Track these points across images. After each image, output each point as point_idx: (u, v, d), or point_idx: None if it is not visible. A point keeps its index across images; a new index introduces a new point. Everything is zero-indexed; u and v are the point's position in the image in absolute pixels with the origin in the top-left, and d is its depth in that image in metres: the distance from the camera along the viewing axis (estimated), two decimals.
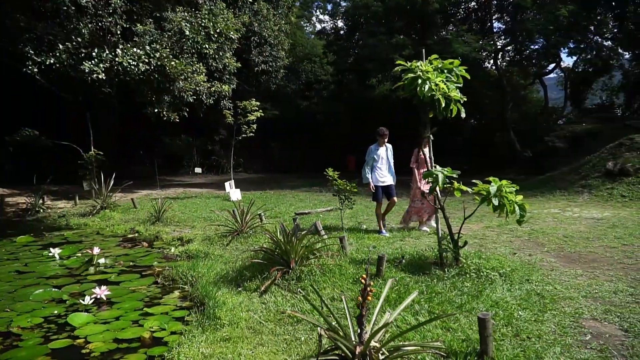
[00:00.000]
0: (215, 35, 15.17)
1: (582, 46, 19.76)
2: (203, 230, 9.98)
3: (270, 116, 30.32)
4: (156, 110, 13.03)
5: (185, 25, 14.15)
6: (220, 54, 16.31)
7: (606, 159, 14.46)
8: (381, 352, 3.11)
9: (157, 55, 11.93)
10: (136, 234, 10.45)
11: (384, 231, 8.51)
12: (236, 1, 17.70)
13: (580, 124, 22.71)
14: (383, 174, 8.51)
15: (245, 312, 4.82)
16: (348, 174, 20.70)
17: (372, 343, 3.12)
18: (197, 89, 15.42)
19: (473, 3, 24.73)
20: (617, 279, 5.45)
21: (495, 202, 5.52)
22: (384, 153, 8.55)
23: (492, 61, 24.05)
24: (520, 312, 4.42)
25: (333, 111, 28.19)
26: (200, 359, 3.80)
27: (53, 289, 6.25)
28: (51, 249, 8.30)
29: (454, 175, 5.94)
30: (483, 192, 5.66)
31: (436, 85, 5.78)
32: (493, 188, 5.50)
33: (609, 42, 19.81)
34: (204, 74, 15.49)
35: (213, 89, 16.44)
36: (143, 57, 11.61)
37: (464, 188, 5.94)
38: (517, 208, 5.50)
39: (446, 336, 3.89)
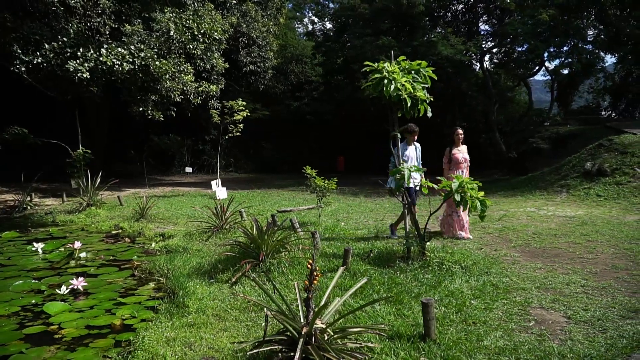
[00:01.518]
0: (200, 36, 15.32)
1: (562, 50, 20.11)
2: (185, 227, 10.17)
3: (262, 116, 30.56)
4: (141, 109, 13.19)
5: (171, 26, 14.32)
6: (208, 54, 16.49)
7: (585, 159, 14.77)
8: (327, 332, 3.32)
9: (142, 55, 12.09)
10: (120, 230, 10.61)
11: (396, 233, 8.02)
12: (225, 2, 17.87)
13: (565, 126, 23.06)
14: (413, 175, 7.17)
15: (213, 301, 5.03)
16: (338, 175, 20.99)
17: (319, 324, 3.33)
18: (185, 88, 15.59)
19: (461, 6, 25.03)
20: (573, 272, 5.69)
21: (458, 197, 5.76)
22: (413, 153, 7.88)
23: (478, 63, 24.33)
24: (472, 301, 4.65)
25: (322, 112, 28.43)
26: (164, 342, 4.00)
27: (33, 281, 6.42)
28: (34, 244, 8.46)
29: (421, 173, 6.19)
30: (447, 188, 5.92)
31: (402, 85, 6.01)
32: (455, 184, 5.74)
33: (589, 46, 20.17)
34: (191, 74, 15.67)
35: (201, 88, 16.62)
36: (127, 56, 11.77)
37: (431, 185, 6.20)
38: (478, 203, 5.74)
39: (397, 321, 4.11)
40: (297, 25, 33.86)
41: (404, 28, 21.51)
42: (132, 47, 11.99)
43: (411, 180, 6.95)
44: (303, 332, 3.21)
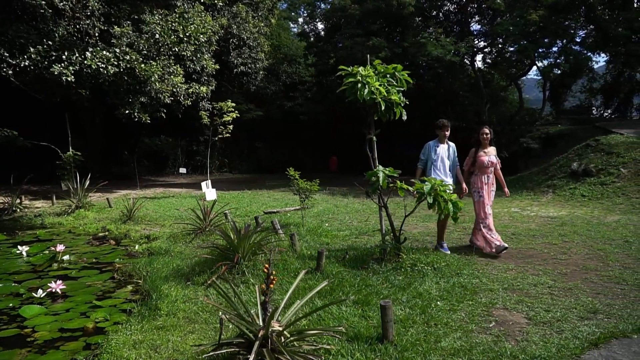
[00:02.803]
0: (185, 38, 15.37)
1: (551, 50, 20.28)
2: (171, 229, 10.25)
3: (255, 117, 30.65)
4: (127, 111, 13.26)
5: (157, 29, 14.38)
6: (198, 56, 16.57)
7: (572, 159, 14.89)
8: (284, 335, 3.41)
9: (127, 58, 12.16)
10: (106, 233, 10.67)
11: (445, 247, 7.09)
12: (214, 4, 17.93)
13: (556, 126, 23.18)
14: (441, 177, 6.85)
15: (185, 303, 5.11)
16: (331, 176, 20.97)
17: (276, 327, 3.42)
18: (175, 90, 15.67)
19: (453, 6, 25.13)
20: (544, 273, 5.79)
21: (430, 199, 5.86)
22: (445, 152, 7.11)
23: (469, 63, 24.44)
24: (438, 302, 4.74)
25: (316, 112, 28.54)
26: (131, 345, 4.08)
27: (13, 284, 6.50)
28: (19, 247, 8.52)
29: (395, 175, 6.27)
30: (422, 190, 6.01)
31: (376, 89, 6.10)
32: (427, 187, 5.84)
33: (578, 47, 20.28)
34: (181, 75, 15.74)
35: (191, 90, 16.68)
36: (112, 60, 11.84)
37: (406, 187, 6.28)
38: (450, 206, 5.83)
39: (360, 323, 4.20)
40: (292, 26, 33.94)
41: (395, 29, 21.61)
42: (117, 50, 12.05)
43: (447, 181, 6.74)
44: (259, 335, 3.30)
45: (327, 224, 9.86)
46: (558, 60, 20.80)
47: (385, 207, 6.53)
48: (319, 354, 3.40)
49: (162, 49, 15.09)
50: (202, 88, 17.15)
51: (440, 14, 25.08)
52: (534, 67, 25.41)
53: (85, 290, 6.23)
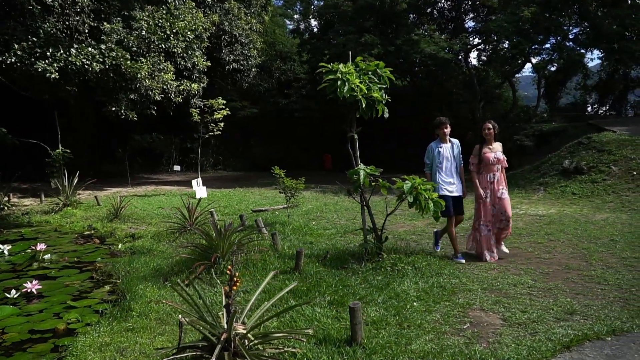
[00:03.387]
0: (172, 35, 15.24)
1: (544, 47, 20.22)
2: (157, 227, 10.16)
3: (250, 114, 30.53)
4: (114, 109, 13.15)
5: (143, 25, 14.24)
6: (189, 52, 16.46)
7: (564, 157, 14.82)
8: (247, 338, 3.33)
9: (113, 55, 12.04)
10: (92, 231, 10.59)
11: (459, 256, 6.49)
12: (205, 0, 17.83)
13: (550, 123, 23.11)
14: (449, 179, 6.56)
15: (159, 304, 5.02)
16: (325, 174, 20.90)
17: (240, 330, 3.34)
18: (165, 87, 15.56)
19: (448, 2, 25.04)
20: (525, 273, 5.72)
21: (410, 199, 5.79)
22: (449, 151, 6.64)
23: (463, 60, 24.37)
24: (415, 303, 4.67)
25: (309, 109, 28.44)
26: (97, 348, 4.00)
27: None
28: (1, 246, 8.43)
29: (377, 174, 6.19)
30: (402, 188, 5.93)
31: (357, 86, 6.01)
32: (407, 185, 5.75)
33: (571, 43, 20.23)
34: (171, 72, 15.62)
35: (182, 87, 16.58)
36: (97, 56, 11.72)
37: (388, 185, 6.21)
38: (431, 204, 5.75)
39: (332, 325, 4.13)
40: (287, 22, 33.71)
41: (388, 26, 21.50)
42: (103, 47, 11.93)
43: (447, 187, 6.48)
44: (222, 338, 3.22)
45: (314, 223, 9.79)
46: (552, 57, 20.72)
47: (367, 205, 6.44)
48: (284, 357, 3.32)
49: (152, 46, 14.97)
50: (193, 85, 17.05)
51: (435, 10, 24.98)
52: (529, 65, 25.41)
53: (62, 290, 6.14)
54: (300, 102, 30.58)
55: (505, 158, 6.59)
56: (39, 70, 11.22)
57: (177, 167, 27.27)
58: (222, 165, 32.43)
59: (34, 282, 5.98)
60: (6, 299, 5.77)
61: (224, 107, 15.65)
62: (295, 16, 35.91)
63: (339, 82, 5.93)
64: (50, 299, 5.78)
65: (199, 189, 15.48)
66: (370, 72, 6.37)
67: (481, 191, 6.49)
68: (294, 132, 31.85)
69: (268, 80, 28.32)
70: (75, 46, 11.76)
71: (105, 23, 14.24)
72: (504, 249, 6.62)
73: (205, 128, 16.14)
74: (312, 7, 26.28)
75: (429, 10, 23.99)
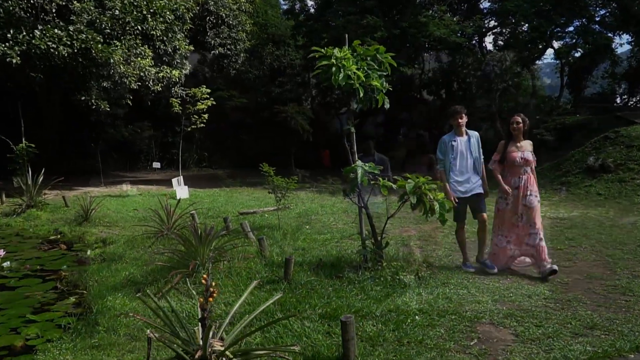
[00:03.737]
0: (149, 16, 15.19)
1: (567, 30, 20.22)
2: (131, 232, 10.13)
3: (239, 104, 30.39)
4: (83, 97, 13.12)
5: (117, 4, 14.20)
6: (170, 35, 16.44)
7: (589, 153, 14.85)
8: (225, 355, 3.31)
9: (82, 37, 12.01)
10: (59, 236, 10.57)
11: (468, 264, 6.43)
12: None
13: (574, 115, 23.13)
14: (463, 178, 6.37)
15: (130, 318, 4.99)
16: (323, 171, 20.89)
17: (217, 347, 3.32)
18: (142, 74, 15.52)
19: None
20: (541, 283, 5.71)
21: (414, 199, 5.76)
22: (464, 145, 6.40)
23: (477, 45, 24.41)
24: (417, 317, 4.65)
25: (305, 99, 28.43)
26: None
27: None
28: None
29: (376, 172, 6.17)
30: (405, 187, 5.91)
31: (354, 73, 5.99)
32: (410, 185, 5.74)
33: (597, 26, 20.24)
34: (150, 57, 15.58)
35: (161, 74, 16.53)
36: (65, 39, 11.69)
37: (389, 184, 6.18)
38: (437, 206, 5.73)
39: (323, 341, 4.11)
40: (282, 2, 33.58)
41: (394, 6, 21.44)
42: (71, 29, 11.89)
43: (459, 187, 6.32)
44: (196, 357, 3.20)
45: (307, 226, 9.77)
46: (576, 41, 20.73)
47: (365, 207, 6.42)
48: None
49: (127, 28, 14.95)
50: (174, 72, 17.00)
51: None
52: (551, 50, 25.42)
53: (21, 302, 6.12)
54: (295, 90, 30.51)
55: (536, 159, 6.27)
56: None
57: (156, 164, 27.19)
58: (207, 162, 32.34)
59: None
60: None
61: (208, 96, 15.64)
62: None
63: (334, 69, 5.89)
64: (8, 311, 5.76)
65: (180, 189, 15.42)
66: (369, 58, 6.34)
67: (505, 187, 6.14)
68: (289, 125, 31.72)
69: (259, 67, 28.24)
70: (40, 27, 11.71)
71: (75, 2, 14.21)
72: (549, 266, 5.85)
73: (187, 120, 16.13)
74: None
75: None
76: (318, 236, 8.73)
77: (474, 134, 6.50)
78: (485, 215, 6.37)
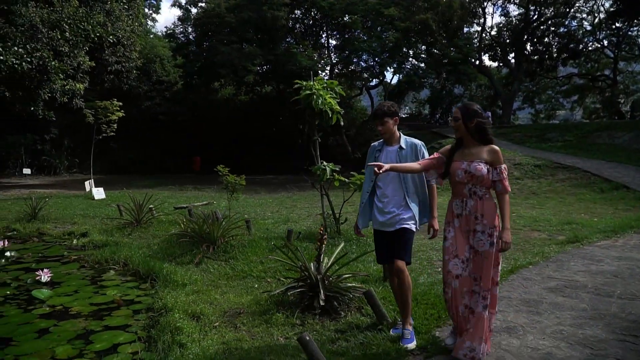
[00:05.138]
0: (67, 33, 15.02)
1: (402, 66, 24.00)
2: (91, 225, 10.43)
3: (119, 116, 29.50)
4: (32, 108, 12.72)
5: (37, 21, 13.90)
6: (75, 52, 16.18)
7: None
8: (327, 276, 4.81)
9: (38, 54, 11.79)
10: (14, 232, 10.39)
11: (408, 339, 3.76)
12: (87, 0, 17.55)
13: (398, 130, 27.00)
14: (386, 204, 3.94)
15: (195, 276, 6.07)
16: (194, 176, 21.82)
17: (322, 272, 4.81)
18: (53, 87, 15.16)
19: (311, 21, 27.60)
20: None
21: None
22: (395, 159, 3.96)
23: (328, 73, 27.23)
24: None
25: (178, 112, 28.73)
26: (185, 303, 5.00)
27: None
28: None
29: (337, 169, 7.88)
30: (357, 181, 7.71)
31: (326, 100, 7.63)
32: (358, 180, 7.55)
33: (422, 64, 24.32)
34: (60, 72, 15.27)
35: (68, 87, 16.20)
36: (25, 56, 11.42)
37: (342, 179, 7.92)
38: None
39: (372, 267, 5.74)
40: (149, 24, 33.27)
41: (267, 38, 23.15)
42: (29, 47, 11.61)
43: (378, 216, 4.00)
44: (319, 278, 4.65)
45: (245, 215, 11.03)
46: (407, 74, 24.60)
47: (327, 194, 8.09)
48: (351, 287, 4.85)
49: (40, 45, 14.53)
50: (78, 85, 16.73)
51: (302, 26, 27.31)
52: (376, 81, 29.25)
53: (69, 277, 6.65)
54: (164, 104, 30.52)
55: (503, 176, 3.47)
56: None
57: (27, 171, 25.55)
58: (77, 167, 30.71)
59: (45, 270, 6.44)
60: (22, 286, 6.18)
61: (119, 108, 15.78)
62: (154, 16, 35.57)
63: (315, 97, 7.48)
64: (69, 283, 6.31)
65: (97, 191, 15.37)
66: (329, 89, 8.02)
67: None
68: (157, 134, 31.54)
69: (146, 82, 27.97)
70: (1, 44, 11.23)
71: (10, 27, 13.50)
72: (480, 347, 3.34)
73: (97, 130, 16.02)
74: (192, 14, 26.77)
75: (297, 26, 26.20)
76: (264, 221, 10.10)
77: (414, 143, 4.03)
78: (401, 264, 3.84)
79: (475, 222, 3.45)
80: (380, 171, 3.46)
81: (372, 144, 4.34)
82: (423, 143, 4.17)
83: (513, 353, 3.40)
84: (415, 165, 3.73)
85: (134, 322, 4.90)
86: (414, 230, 3.93)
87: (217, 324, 4.44)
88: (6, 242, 7.96)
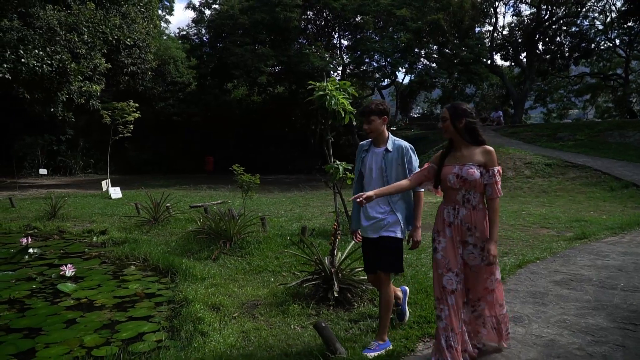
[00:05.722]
0: (86, 36, 15.40)
1: (414, 66, 24.15)
2: (110, 223, 10.73)
3: (136, 117, 30.06)
4: (52, 110, 13.10)
5: (54, 23, 14.28)
6: (92, 54, 16.55)
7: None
8: (340, 269, 5.01)
9: (58, 57, 12.16)
10: (34, 230, 10.73)
11: (373, 346, 3.60)
12: (103, 3, 17.93)
13: (409, 130, 27.18)
14: (371, 209, 3.69)
15: (213, 271, 6.31)
16: (205, 174, 22.08)
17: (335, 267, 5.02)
18: (71, 88, 15.54)
19: (323, 22, 27.88)
20: None
21: None
22: (379, 162, 3.71)
23: (340, 73, 27.48)
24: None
25: (191, 113, 29.13)
26: (205, 295, 5.23)
27: (9, 272, 6.89)
28: None
29: (349, 168, 8.07)
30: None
31: (339, 100, 7.84)
32: None
33: (434, 64, 24.44)
34: (79, 73, 15.65)
35: (85, 88, 16.58)
36: (45, 58, 11.79)
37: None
38: None
39: None
40: (162, 25, 33.79)
41: (280, 39, 23.44)
42: (49, 50, 11.98)
43: (362, 222, 3.79)
44: (333, 271, 4.86)
45: (259, 213, 11.27)
46: (419, 75, 24.77)
47: (339, 193, 8.29)
48: (364, 280, 5.04)
49: (57, 47, 14.91)
50: (95, 87, 17.12)
51: (315, 27, 27.60)
52: (388, 81, 29.38)
53: (92, 272, 6.93)
54: (178, 105, 30.96)
55: (494, 179, 3.17)
56: None
57: (43, 171, 25.98)
58: (92, 168, 31.25)
59: (69, 265, 6.71)
60: (47, 280, 6.46)
61: (135, 109, 16.12)
62: (167, 17, 36.10)
63: (328, 97, 7.69)
64: (91, 277, 6.59)
65: (113, 190, 15.72)
66: (342, 89, 8.23)
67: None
68: (171, 135, 32.02)
69: (161, 83, 28.45)
70: (22, 47, 11.61)
71: (4, 20, 13.90)
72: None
73: (114, 131, 16.38)
74: (205, 16, 27.20)
75: (311, 26, 26.50)
76: (278, 219, 10.33)
77: (402, 146, 3.70)
78: (382, 276, 3.68)
79: (467, 234, 3.20)
80: (363, 200, 3.18)
81: (361, 143, 4.01)
82: (412, 146, 3.77)
83: (518, 340, 3.58)
84: (403, 183, 3.41)
85: (157, 313, 5.14)
86: (400, 237, 3.61)
87: (236, 314, 4.67)
88: (29, 239, 8.24)
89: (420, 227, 3.68)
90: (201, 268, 6.40)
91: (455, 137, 3.29)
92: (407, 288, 4.31)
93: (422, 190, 3.63)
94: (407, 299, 4.19)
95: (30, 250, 8.29)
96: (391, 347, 3.59)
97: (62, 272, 6.58)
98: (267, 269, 6.18)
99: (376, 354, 3.49)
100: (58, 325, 4.85)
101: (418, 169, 3.54)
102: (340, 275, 4.90)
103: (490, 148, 3.24)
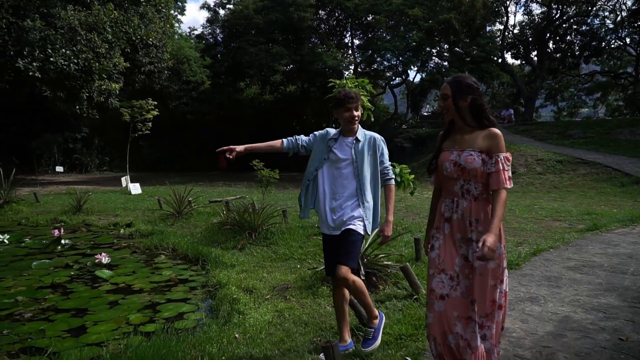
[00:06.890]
0: (109, 35, 15.84)
1: (426, 65, 24.43)
2: (134, 217, 11.12)
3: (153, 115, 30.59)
4: (77, 107, 13.54)
5: (75, 23, 14.71)
6: (112, 53, 16.97)
7: None
8: (368, 257, 5.33)
9: (84, 56, 12.58)
10: (62, 223, 11.13)
11: (370, 335, 3.47)
12: (122, 3, 18.36)
13: (420, 128, 27.40)
14: (336, 203, 3.45)
15: (241, 259, 6.65)
16: (219, 173, 22.42)
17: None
18: (92, 86, 15.97)
19: (334, 21, 28.20)
20: None
21: (398, 179, 8.10)
22: (349, 152, 3.47)
23: (352, 72, 27.76)
24: None
25: (205, 111, 29.56)
26: (237, 279, 5.57)
27: (45, 261, 7.27)
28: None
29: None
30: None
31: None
32: (396, 170, 8.06)
33: (446, 63, 24.69)
34: (104, 72, 16.09)
35: (104, 87, 17.01)
36: (72, 57, 12.20)
37: None
38: (411, 183, 8.13)
39: (404, 251, 6.23)
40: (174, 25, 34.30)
41: (293, 39, 23.81)
42: (75, 48, 12.40)
43: (327, 218, 3.51)
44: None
45: (278, 207, 11.60)
46: (431, 73, 25.04)
47: None
48: (387, 265, 5.36)
49: (79, 46, 15.33)
50: (114, 85, 17.54)
51: (325, 26, 27.93)
52: (400, 79, 29.64)
53: (124, 261, 7.30)
54: (191, 104, 31.42)
55: (498, 167, 2.59)
56: (21, 68, 11.35)
57: (59, 169, 26.46)
58: (107, 165, 31.80)
59: (103, 254, 7.09)
60: (84, 268, 6.83)
61: (154, 107, 16.52)
62: (179, 16, 36.56)
63: None
64: (126, 265, 6.96)
65: (133, 186, 16.14)
66: (360, 87, 8.54)
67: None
68: (184, 133, 32.50)
69: (177, 82, 28.95)
70: (50, 46, 12.04)
71: (27, 20, 14.33)
72: None
73: (133, 128, 16.79)
74: (220, 16, 27.61)
75: (323, 26, 26.84)
76: (296, 212, 10.64)
77: (373, 138, 3.54)
78: (345, 270, 3.28)
79: (469, 229, 2.65)
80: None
81: (327, 129, 3.71)
82: (382, 138, 3.62)
83: (535, 317, 3.88)
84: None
85: (193, 296, 5.50)
86: (361, 232, 3.37)
87: (268, 296, 5.00)
88: (61, 231, 8.64)
89: (392, 222, 3.46)
90: (229, 256, 6.74)
91: (457, 118, 2.72)
92: (384, 314, 3.72)
93: (392, 182, 3.51)
94: (382, 326, 3.58)
95: (63, 241, 8.68)
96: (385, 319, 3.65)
97: (97, 260, 6.96)
98: (293, 257, 6.51)
99: (377, 342, 3.42)
100: (102, 306, 5.21)
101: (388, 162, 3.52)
102: (365, 260, 5.22)
103: (497, 131, 2.65)
